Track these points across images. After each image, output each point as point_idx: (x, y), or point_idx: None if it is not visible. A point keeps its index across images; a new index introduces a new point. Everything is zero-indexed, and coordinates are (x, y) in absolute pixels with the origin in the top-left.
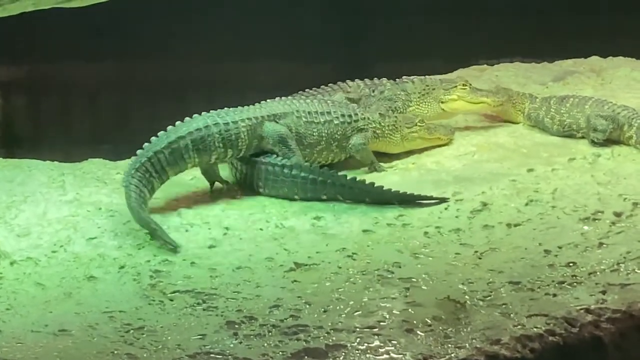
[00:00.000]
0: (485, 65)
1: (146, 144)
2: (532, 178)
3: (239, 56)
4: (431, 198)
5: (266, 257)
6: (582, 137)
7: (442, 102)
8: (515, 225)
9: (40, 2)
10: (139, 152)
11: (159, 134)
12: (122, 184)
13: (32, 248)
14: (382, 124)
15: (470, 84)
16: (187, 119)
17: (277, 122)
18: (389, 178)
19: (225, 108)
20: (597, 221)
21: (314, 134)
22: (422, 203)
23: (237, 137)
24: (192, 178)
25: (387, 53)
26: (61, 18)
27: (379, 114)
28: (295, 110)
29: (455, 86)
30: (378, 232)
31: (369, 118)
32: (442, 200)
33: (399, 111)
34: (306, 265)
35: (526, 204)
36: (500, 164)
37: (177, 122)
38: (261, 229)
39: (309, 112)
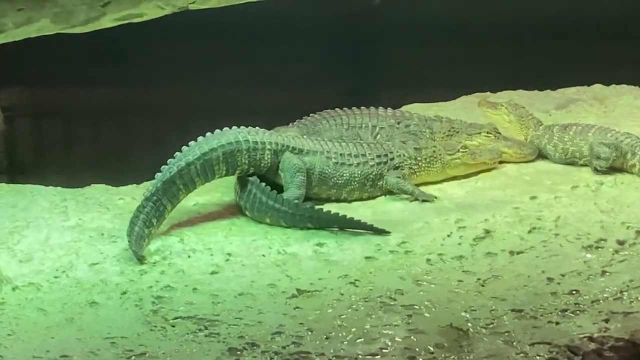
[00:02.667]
0: (489, 92)
1: (178, 153)
2: (535, 206)
3: (240, 83)
4: (371, 228)
5: (268, 284)
6: (585, 165)
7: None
8: (518, 253)
9: (43, 28)
10: (170, 161)
11: (189, 144)
12: (144, 193)
13: (34, 274)
14: (419, 157)
15: (499, 133)
16: (217, 131)
17: (299, 156)
18: (392, 205)
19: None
20: (600, 249)
21: (344, 175)
22: (424, 230)
23: (261, 158)
24: (194, 204)
25: (390, 80)
26: (63, 44)
27: (414, 148)
28: (325, 150)
29: (479, 132)
30: (380, 258)
31: (404, 154)
32: (382, 232)
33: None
34: (308, 291)
35: (529, 232)
36: (503, 192)
37: (207, 134)
38: (263, 255)
39: (340, 154)
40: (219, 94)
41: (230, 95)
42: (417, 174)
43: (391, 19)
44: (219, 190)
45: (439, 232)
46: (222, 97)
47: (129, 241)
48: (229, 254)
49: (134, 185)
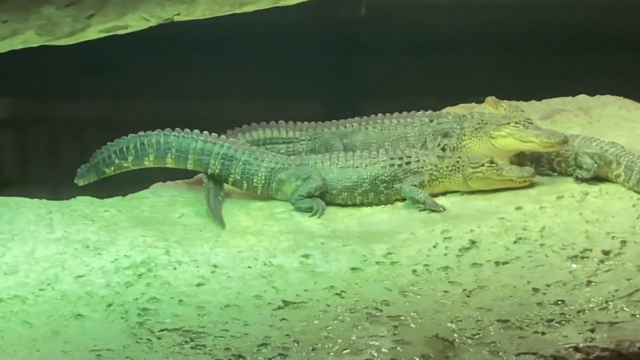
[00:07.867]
0: (474, 103)
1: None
2: (520, 216)
3: (231, 93)
4: (219, 219)
5: (254, 295)
6: (570, 175)
7: (492, 138)
8: (504, 264)
9: (28, 40)
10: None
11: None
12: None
13: (19, 286)
14: (440, 165)
15: (530, 123)
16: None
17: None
18: (378, 216)
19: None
20: (585, 259)
21: (352, 177)
22: (410, 241)
23: (255, 173)
24: (180, 216)
25: (375, 91)
26: (48, 55)
27: (437, 156)
28: (329, 158)
29: (509, 123)
30: (366, 270)
31: (424, 160)
32: (222, 224)
33: (453, 148)
34: (294, 303)
35: (514, 242)
36: (489, 202)
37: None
38: (249, 267)
39: (346, 159)
40: (207, 105)
41: (219, 106)
42: (439, 181)
43: (377, 30)
44: (204, 202)
45: (424, 242)
46: (210, 107)
47: (82, 169)
48: (214, 266)
49: (120, 197)
